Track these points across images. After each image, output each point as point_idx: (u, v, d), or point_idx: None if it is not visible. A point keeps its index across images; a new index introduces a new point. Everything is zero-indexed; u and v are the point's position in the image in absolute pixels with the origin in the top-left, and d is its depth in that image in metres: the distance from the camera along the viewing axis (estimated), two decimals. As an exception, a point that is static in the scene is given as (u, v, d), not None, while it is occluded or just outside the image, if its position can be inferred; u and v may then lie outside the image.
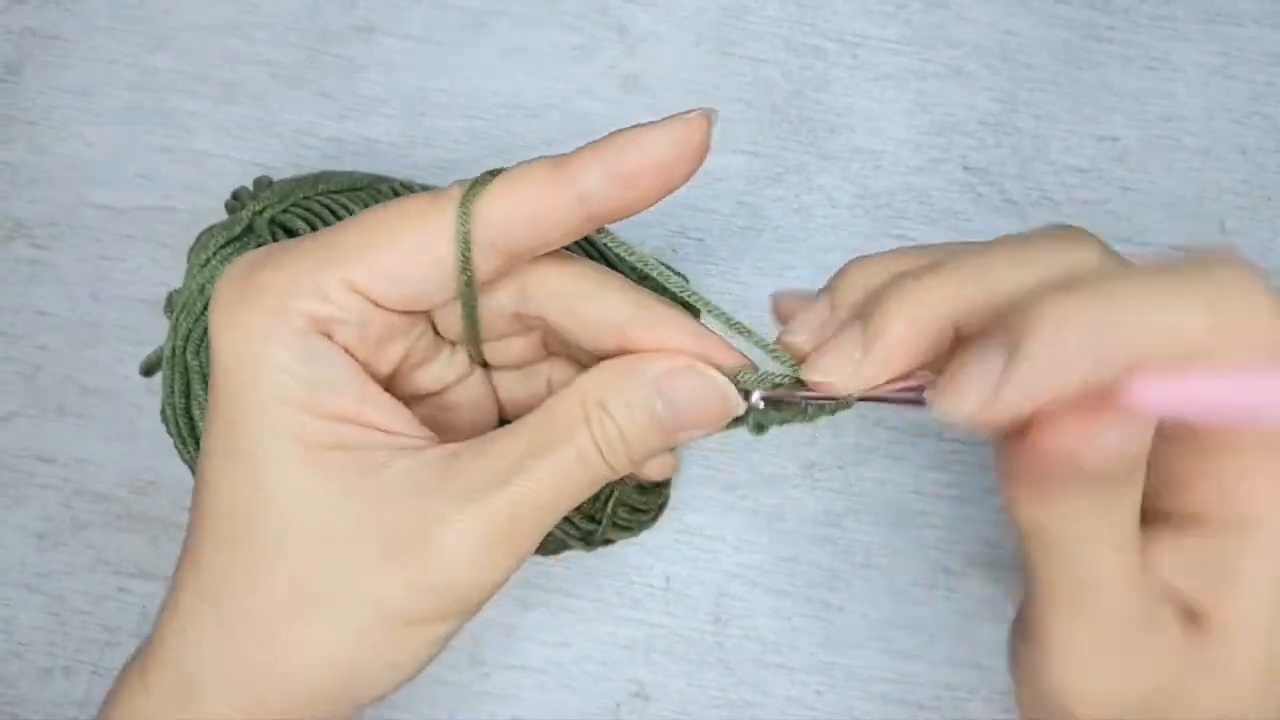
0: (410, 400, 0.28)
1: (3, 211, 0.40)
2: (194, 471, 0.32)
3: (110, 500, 0.39)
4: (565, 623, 0.37)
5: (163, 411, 0.35)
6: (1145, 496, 0.24)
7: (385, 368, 0.26)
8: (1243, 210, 0.40)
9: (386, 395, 0.25)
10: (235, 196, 0.36)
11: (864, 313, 0.24)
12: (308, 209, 0.34)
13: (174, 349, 0.34)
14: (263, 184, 0.36)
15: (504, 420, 0.31)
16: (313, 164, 0.40)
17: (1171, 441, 0.24)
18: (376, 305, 0.24)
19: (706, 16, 0.41)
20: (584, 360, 0.28)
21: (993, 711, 0.38)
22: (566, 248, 0.25)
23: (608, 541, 0.36)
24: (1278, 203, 0.40)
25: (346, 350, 0.25)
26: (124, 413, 0.39)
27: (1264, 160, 0.40)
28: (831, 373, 0.24)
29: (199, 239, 0.35)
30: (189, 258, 0.35)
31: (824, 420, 0.36)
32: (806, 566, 0.38)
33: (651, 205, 0.24)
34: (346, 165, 0.40)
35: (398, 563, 0.24)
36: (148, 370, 0.36)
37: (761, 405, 0.25)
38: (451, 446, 0.25)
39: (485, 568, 0.24)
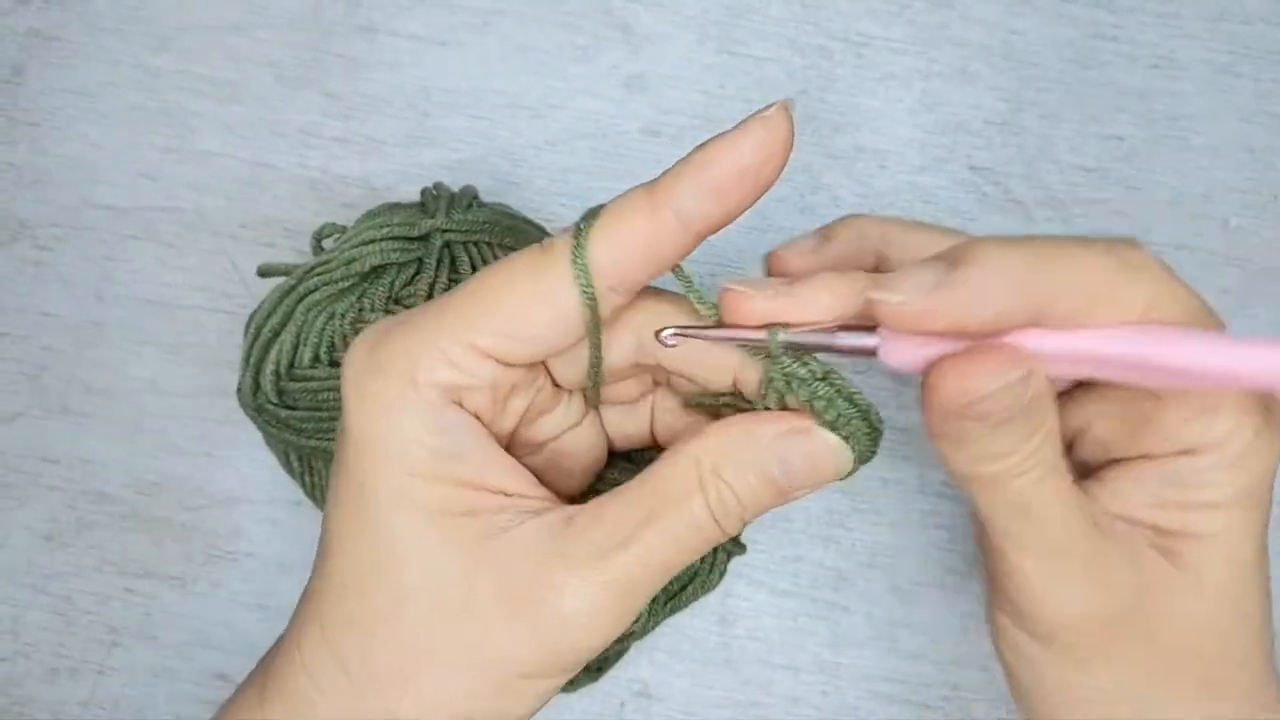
0: (529, 448, 0.29)
1: (7, 212, 0.40)
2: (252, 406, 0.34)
3: (115, 501, 0.39)
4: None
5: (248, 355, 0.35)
6: (1104, 449, 0.27)
7: (510, 424, 0.27)
8: (1249, 209, 0.40)
9: (508, 458, 0.26)
10: (426, 195, 0.36)
11: (952, 257, 0.25)
12: (477, 246, 0.35)
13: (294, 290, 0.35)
14: (444, 194, 0.36)
15: (613, 453, 0.31)
16: (318, 164, 0.40)
17: (1124, 394, 0.26)
18: (503, 364, 0.25)
19: (710, 16, 0.41)
20: (685, 389, 0.28)
21: (997, 712, 0.38)
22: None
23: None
24: (1284, 202, 0.40)
25: (475, 415, 0.25)
26: (128, 413, 0.39)
27: (1271, 159, 0.40)
28: (906, 292, 0.24)
29: (376, 212, 0.36)
30: (356, 222, 0.36)
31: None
32: (811, 566, 0.38)
33: (750, 207, 0.24)
34: (351, 165, 0.40)
35: (516, 625, 0.24)
36: (265, 273, 0.37)
37: (670, 343, 0.25)
38: (568, 510, 0.25)
39: (599, 630, 0.25)
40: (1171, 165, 0.40)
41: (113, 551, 0.38)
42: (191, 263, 0.40)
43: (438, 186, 0.37)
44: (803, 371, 0.25)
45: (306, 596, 0.27)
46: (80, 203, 0.40)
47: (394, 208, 0.36)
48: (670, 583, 0.34)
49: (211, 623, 0.38)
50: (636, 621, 0.33)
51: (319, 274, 0.34)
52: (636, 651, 0.38)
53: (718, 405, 0.28)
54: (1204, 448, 0.25)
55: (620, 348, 0.27)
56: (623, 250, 0.24)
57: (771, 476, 0.25)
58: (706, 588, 0.36)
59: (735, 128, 0.23)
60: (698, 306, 0.25)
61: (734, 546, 0.36)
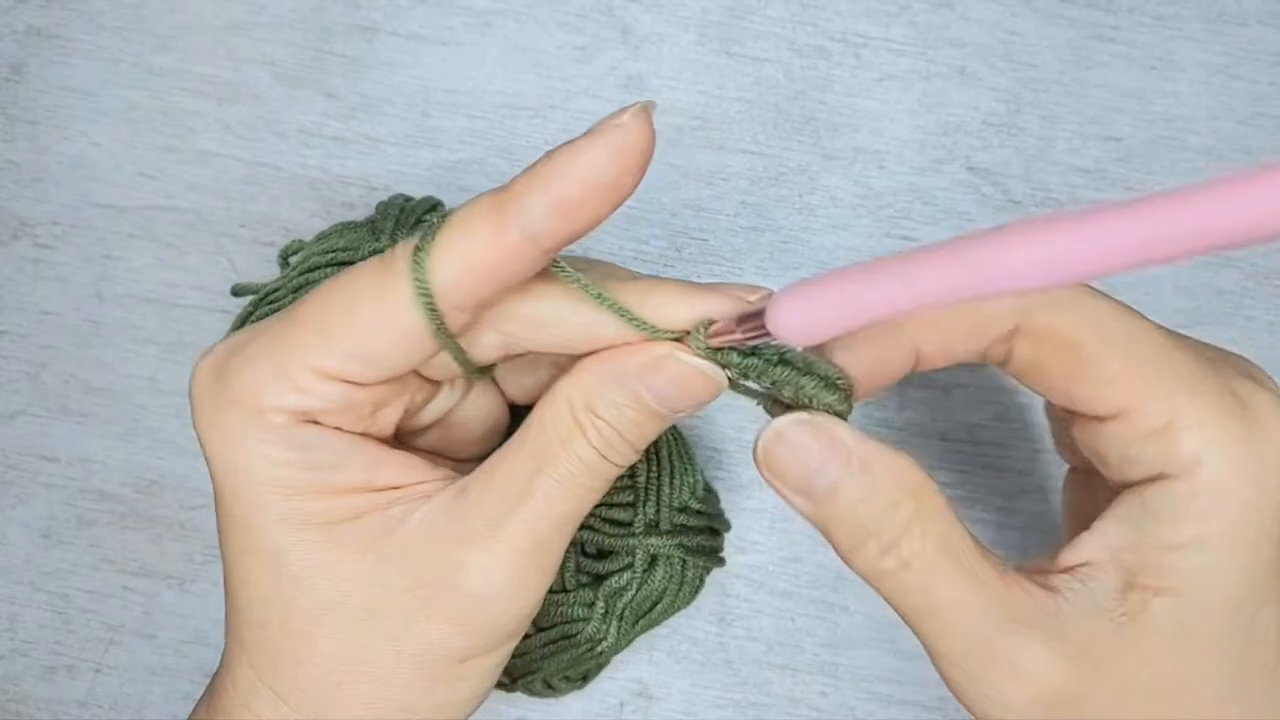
0: (416, 432, 0.28)
1: (7, 211, 0.40)
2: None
3: (114, 499, 0.39)
4: (568, 622, 0.37)
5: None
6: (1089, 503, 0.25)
7: (387, 427, 0.26)
8: (1246, 210, 0.40)
9: (393, 453, 0.25)
10: (378, 211, 0.36)
11: None
12: None
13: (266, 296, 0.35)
14: (393, 211, 0.36)
15: (516, 410, 0.30)
16: (317, 164, 0.40)
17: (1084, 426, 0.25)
18: (358, 385, 0.24)
19: (709, 17, 0.41)
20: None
21: (995, 712, 0.38)
22: None
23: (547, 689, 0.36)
24: (1281, 203, 0.40)
25: (340, 429, 0.24)
26: (128, 412, 0.39)
27: (1268, 160, 0.40)
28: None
29: (327, 234, 0.36)
30: (310, 242, 0.36)
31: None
32: (810, 567, 0.38)
33: (605, 219, 0.22)
34: (351, 165, 0.40)
35: (432, 614, 0.24)
36: (238, 292, 0.38)
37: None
38: (461, 483, 0.25)
39: (518, 595, 0.24)
40: (1169, 166, 0.40)
41: (111, 550, 0.38)
42: (191, 262, 0.40)
43: (391, 201, 0.37)
44: (758, 362, 0.24)
45: (230, 636, 0.26)
46: (80, 201, 0.40)
47: (345, 229, 0.35)
48: (637, 602, 0.33)
49: (210, 622, 0.38)
50: (606, 640, 0.33)
51: (270, 302, 0.35)
52: (635, 652, 0.38)
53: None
54: (1171, 472, 0.22)
55: (484, 347, 0.25)
56: (466, 271, 0.22)
57: (647, 403, 0.24)
58: (678, 604, 0.35)
59: (588, 134, 0.21)
60: (565, 280, 0.24)
61: (710, 561, 0.35)
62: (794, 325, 0.21)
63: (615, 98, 0.41)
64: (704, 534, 0.35)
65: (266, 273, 0.40)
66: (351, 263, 0.34)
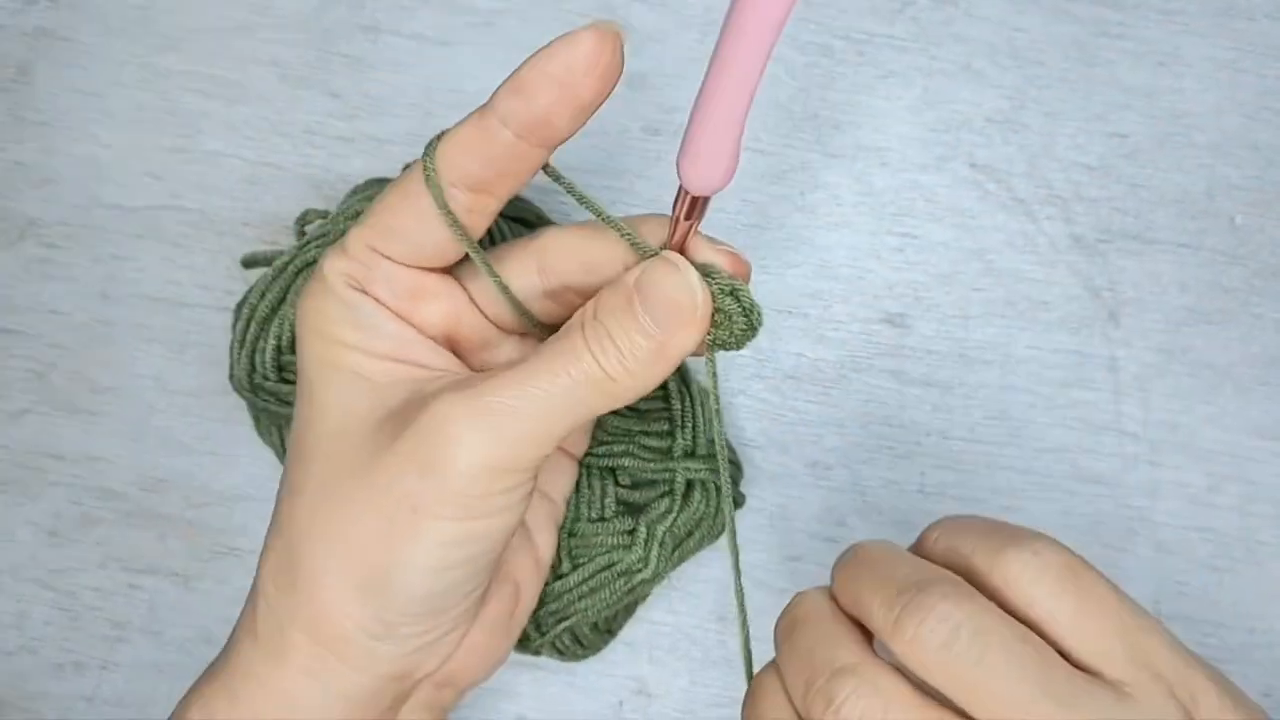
0: None
1: (15, 211, 0.40)
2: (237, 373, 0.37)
3: (121, 497, 0.39)
4: (570, 620, 0.37)
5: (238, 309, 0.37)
6: None
7: (429, 328, 0.29)
8: (1253, 206, 0.40)
9: (430, 340, 0.29)
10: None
11: None
12: None
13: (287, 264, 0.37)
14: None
15: None
16: (321, 163, 0.40)
17: None
18: (395, 262, 0.28)
19: (712, 15, 0.41)
20: None
21: (999, 711, 0.38)
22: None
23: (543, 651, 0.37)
24: (1289, 199, 0.40)
25: (379, 301, 0.29)
26: (135, 410, 0.39)
27: (1275, 156, 0.40)
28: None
29: (364, 187, 0.38)
30: (343, 199, 0.38)
31: (827, 419, 0.37)
32: (811, 566, 0.38)
33: (570, 123, 0.26)
34: (355, 165, 0.40)
35: (407, 458, 0.26)
36: (248, 263, 0.39)
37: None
38: (481, 373, 0.28)
39: (481, 459, 0.26)
40: (1175, 163, 0.40)
41: (118, 548, 0.39)
42: (197, 261, 0.40)
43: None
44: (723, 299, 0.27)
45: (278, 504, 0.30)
46: (87, 202, 0.40)
47: (381, 182, 0.37)
48: (676, 527, 0.35)
49: (215, 619, 0.39)
50: (645, 569, 0.34)
51: (316, 248, 0.36)
52: (635, 650, 0.38)
53: None
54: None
55: (524, 275, 0.29)
56: (460, 152, 0.27)
57: (635, 311, 0.26)
58: (711, 535, 0.36)
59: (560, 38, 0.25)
60: (583, 204, 0.28)
61: (736, 494, 0.36)
62: (702, 174, 0.25)
63: (619, 95, 0.40)
64: (733, 465, 0.37)
65: (271, 272, 0.40)
66: None
